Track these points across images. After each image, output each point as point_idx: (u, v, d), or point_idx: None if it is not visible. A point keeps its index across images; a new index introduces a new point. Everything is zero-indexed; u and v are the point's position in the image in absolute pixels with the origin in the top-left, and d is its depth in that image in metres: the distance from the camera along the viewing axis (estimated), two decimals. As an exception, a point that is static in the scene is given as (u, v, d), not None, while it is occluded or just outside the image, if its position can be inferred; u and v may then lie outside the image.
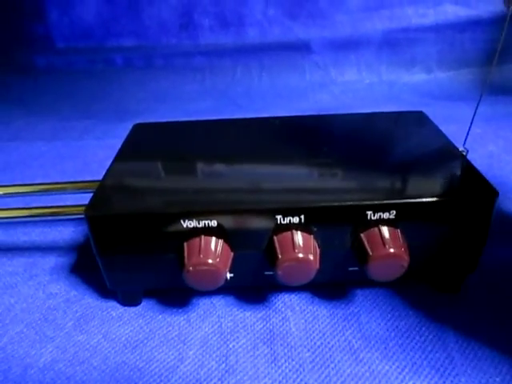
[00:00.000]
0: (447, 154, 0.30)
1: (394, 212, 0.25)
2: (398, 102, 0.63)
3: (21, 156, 0.53)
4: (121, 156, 0.32)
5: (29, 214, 0.32)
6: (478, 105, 0.29)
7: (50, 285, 0.33)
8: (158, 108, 0.63)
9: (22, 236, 0.39)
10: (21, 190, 0.35)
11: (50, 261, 0.35)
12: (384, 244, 0.25)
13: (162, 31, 0.65)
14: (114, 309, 0.30)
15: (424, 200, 0.25)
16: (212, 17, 0.64)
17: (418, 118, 0.36)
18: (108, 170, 0.30)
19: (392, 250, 0.24)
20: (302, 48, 0.68)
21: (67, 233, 0.39)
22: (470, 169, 0.28)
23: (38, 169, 0.50)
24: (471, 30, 0.68)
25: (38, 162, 0.52)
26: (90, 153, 0.52)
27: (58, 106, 0.62)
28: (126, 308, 0.30)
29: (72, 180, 0.35)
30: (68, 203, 0.32)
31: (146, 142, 0.35)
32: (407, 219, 0.25)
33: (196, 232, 0.25)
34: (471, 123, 0.30)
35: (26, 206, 0.32)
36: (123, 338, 0.28)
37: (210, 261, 0.24)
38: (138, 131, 0.36)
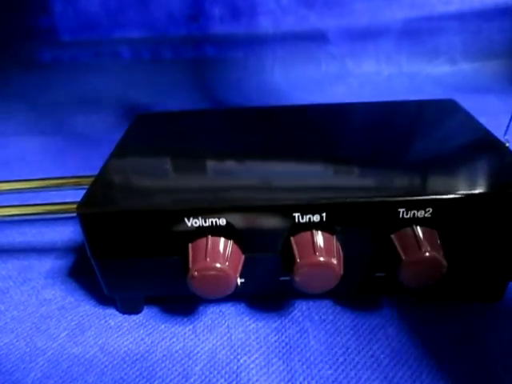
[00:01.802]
0: (488, 144, 0.27)
1: (431, 210, 0.22)
2: (420, 95, 0.60)
3: (21, 151, 0.52)
4: (120, 149, 0.30)
5: (25, 212, 0.30)
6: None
7: (45, 290, 0.31)
8: (165, 102, 0.61)
9: (17, 236, 0.37)
10: (16, 187, 0.33)
11: (47, 263, 0.33)
12: (419, 247, 0.22)
13: (170, 22, 0.63)
14: (112, 317, 0.28)
15: (466, 192, 0.22)
16: (223, 6, 0.62)
17: (450, 107, 0.33)
18: (105, 164, 0.27)
19: (428, 254, 0.22)
20: (317, 38, 0.65)
21: (66, 233, 0.37)
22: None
23: (39, 164, 0.49)
24: (499, 18, 0.65)
25: (38, 157, 0.50)
26: (93, 148, 0.50)
27: (62, 100, 0.61)
28: (125, 316, 0.28)
29: (72, 175, 0.32)
30: (68, 200, 0.29)
31: (148, 134, 0.33)
32: (446, 217, 0.22)
33: (202, 232, 0.23)
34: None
35: (22, 204, 0.31)
36: (122, 351, 0.26)
37: (217, 265, 0.22)
38: (140, 122, 0.34)
